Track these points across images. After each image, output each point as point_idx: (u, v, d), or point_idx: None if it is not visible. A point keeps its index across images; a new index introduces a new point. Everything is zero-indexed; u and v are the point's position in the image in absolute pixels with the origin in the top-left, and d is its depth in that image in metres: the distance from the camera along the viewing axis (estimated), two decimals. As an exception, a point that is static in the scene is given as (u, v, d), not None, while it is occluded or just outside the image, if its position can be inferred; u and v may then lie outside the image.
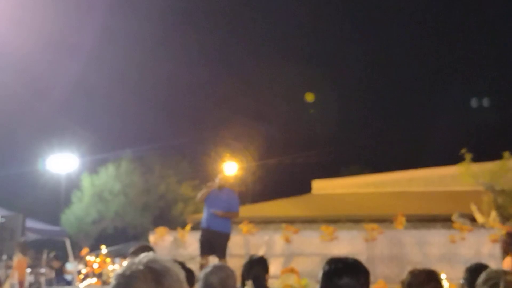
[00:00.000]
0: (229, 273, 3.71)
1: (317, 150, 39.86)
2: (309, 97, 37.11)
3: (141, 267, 1.94)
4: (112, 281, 1.97)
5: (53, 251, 20.23)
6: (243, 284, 4.57)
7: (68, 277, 19.65)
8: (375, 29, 54.87)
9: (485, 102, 36.65)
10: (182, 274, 2.00)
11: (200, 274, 3.83)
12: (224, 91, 46.00)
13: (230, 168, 30.24)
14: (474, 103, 37.12)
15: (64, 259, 20.48)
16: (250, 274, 4.57)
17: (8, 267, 14.60)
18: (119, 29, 39.14)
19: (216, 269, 3.69)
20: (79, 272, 15.62)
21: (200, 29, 53.39)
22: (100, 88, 41.75)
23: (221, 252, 10.30)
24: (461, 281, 4.87)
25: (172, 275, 1.95)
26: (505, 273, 3.18)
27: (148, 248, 5.60)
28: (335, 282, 2.93)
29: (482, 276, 3.21)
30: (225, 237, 10.50)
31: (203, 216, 10.76)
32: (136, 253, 5.50)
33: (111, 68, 41.48)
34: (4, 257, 14.77)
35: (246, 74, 48.64)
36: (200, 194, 10.87)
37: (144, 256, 1.99)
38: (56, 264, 19.17)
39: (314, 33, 54.10)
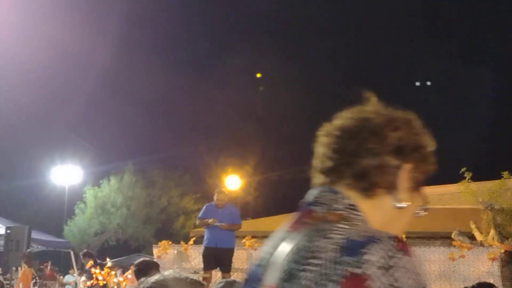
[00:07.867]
0: (240, 289, 3.83)
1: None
2: None
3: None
4: None
5: (56, 263, 20.43)
6: None
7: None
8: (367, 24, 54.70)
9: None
10: None
11: (211, 289, 3.98)
12: (226, 105, 46.22)
13: (232, 182, 30.37)
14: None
15: (67, 271, 20.64)
16: None
17: (14, 278, 14.79)
18: (119, 41, 39.43)
19: (228, 284, 3.82)
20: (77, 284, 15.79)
21: (204, 38, 53.63)
22: (104, 101, 42.08)
23: (227, 267, 10.42)
24: None
25: None
26: None
27: (153, 264, 5.71)
28: None
29: None
30: (231, 252, 10.60)
31: (206, 235, 10.68)
32: (140, 268, 5.68)
33: (114, 81, 41.84)
34: (12, 268, 14.97)
35: (247, 89, 48.80)
36: (198, 222, 10.89)
37: (152, 277, 2.01)
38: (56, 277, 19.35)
39: (317, 35, 54.26)
